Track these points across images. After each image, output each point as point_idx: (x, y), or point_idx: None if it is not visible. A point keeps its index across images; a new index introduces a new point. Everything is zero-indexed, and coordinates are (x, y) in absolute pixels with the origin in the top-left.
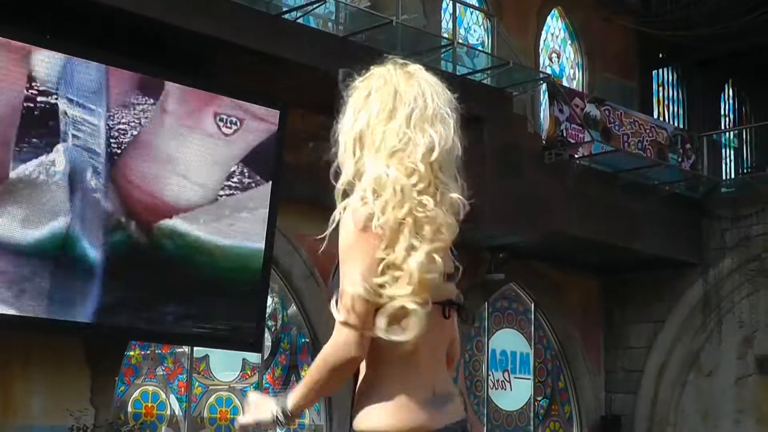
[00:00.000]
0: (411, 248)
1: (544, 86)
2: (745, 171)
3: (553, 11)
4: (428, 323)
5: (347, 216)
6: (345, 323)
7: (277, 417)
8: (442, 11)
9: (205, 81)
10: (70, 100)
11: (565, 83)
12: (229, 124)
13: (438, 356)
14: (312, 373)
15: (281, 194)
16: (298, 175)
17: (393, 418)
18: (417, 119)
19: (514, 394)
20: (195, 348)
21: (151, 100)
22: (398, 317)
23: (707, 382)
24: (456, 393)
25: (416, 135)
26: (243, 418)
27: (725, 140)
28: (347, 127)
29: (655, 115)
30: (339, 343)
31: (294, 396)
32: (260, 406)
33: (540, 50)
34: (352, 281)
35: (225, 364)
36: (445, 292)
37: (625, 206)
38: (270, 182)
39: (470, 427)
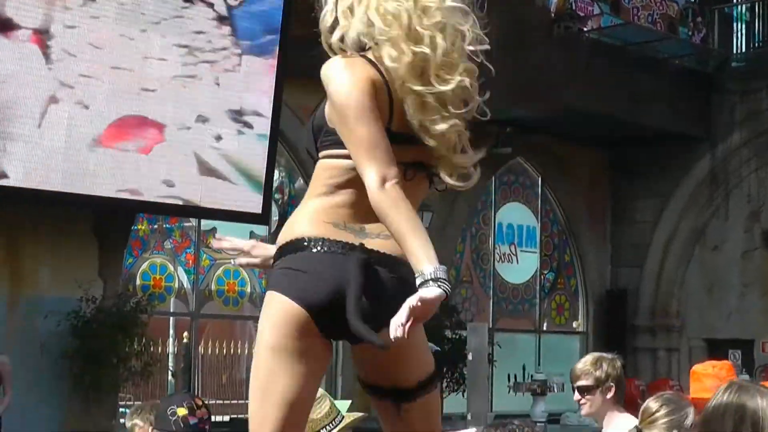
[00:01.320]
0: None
1: None
2: (756, 45)
3: None
4: None
5: None
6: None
7: (445, 289)
8: None
9: None
10: None
11: None
12: None
13: None
14: (409, 227)
15: (287, 68)
16: (305, 48)
17: (315, 227)
18: None
19: (521, 267)
20: (202, 221)
21: None
22: None
23: (713, 256)
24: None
25: None
26: (425, 302)
27: (737, 14)
28: None
29: None
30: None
31: (427, 254)
32: (434, 291)
33: None
34: None
35: (232, 237)
36: (417, 154)
37: (634, 80)
38: (276, 56)
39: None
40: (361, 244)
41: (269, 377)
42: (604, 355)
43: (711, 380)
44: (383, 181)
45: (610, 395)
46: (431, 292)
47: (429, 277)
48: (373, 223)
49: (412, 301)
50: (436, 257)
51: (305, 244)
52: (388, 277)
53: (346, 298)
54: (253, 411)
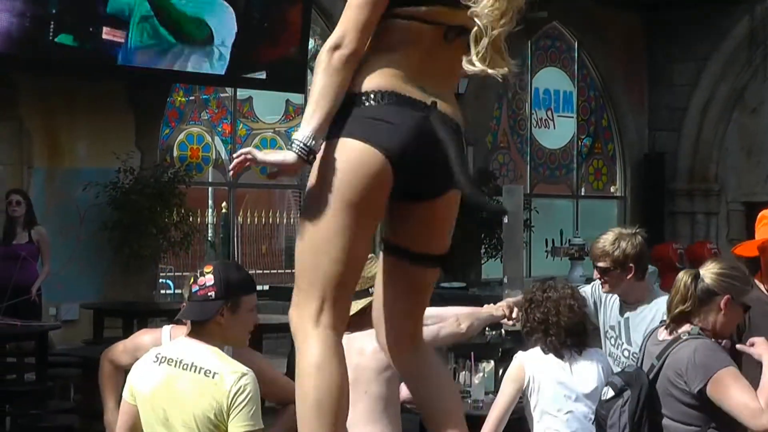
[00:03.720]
0: None
1: None
2: None
3: None
4: (427, 38)
5: None
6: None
7: (300, 152)
8: None
9: None
10: None
11: None
12: None
13: (435, 69)
14: (316, 92)
15: None
16: None
17: (374, 79)
18: None
19: (558, 132)
20: (238, 90)
21: None
22: None
23: (751, 119)
24: (454, 105)
25: None
26: (263, 155)
27: None
28: None
29: None
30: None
31: (308, 123)
32: (279, 152)
33: None
34: None
35: (268, 106)
36: (458, 18)
37: None
38: None
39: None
40: (434, 103)
41: (339, 232)
42: (624, 231)
43: None
44: (336, 46)
45: (630, 276)
46: (275, 155)
47: (291, 142)
48: (430, 81)
49: (257, 154)
50: (314, 127)
51: (379, 96)
52: (451, 139)
53: (451, 164)
54: (306, 265)
